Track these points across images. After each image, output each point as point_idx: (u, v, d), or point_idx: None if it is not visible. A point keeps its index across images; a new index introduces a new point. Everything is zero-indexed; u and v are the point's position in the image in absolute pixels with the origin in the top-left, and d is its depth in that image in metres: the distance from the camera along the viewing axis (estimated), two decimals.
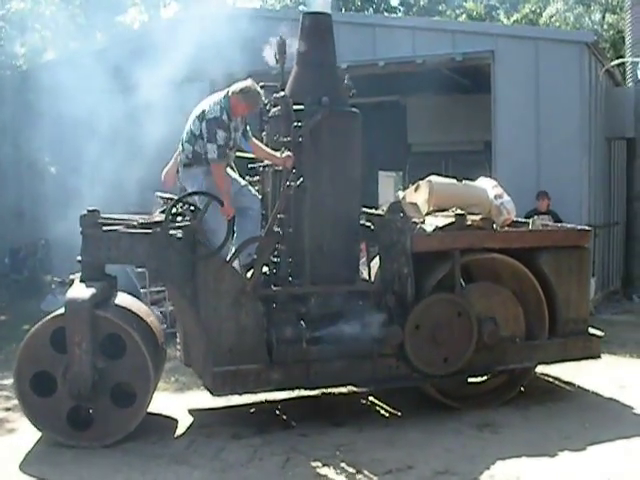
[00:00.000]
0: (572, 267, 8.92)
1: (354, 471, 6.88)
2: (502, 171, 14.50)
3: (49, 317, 7.69)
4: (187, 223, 7.94)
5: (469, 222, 8.71)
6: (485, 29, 17.01)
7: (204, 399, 8.69)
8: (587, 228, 9.65)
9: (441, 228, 8.53)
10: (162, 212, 8.22)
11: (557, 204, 14.10)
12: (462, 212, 8.68)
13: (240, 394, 8.14)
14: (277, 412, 8.70)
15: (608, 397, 9.15)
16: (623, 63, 21.08)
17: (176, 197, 8.22)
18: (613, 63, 20.21)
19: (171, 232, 7.85)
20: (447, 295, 8.38)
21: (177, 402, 9.08)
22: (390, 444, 7.56)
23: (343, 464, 7.05)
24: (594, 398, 9.09)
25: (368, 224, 9.15)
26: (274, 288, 8.22)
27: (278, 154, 8.27)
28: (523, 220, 9.77)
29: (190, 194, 8.07)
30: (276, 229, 8.14)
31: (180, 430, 8.14)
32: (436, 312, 8.32)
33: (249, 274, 8.12)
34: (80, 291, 7.59)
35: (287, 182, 8.04)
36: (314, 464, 7.08)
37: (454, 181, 9.66)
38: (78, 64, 15.97)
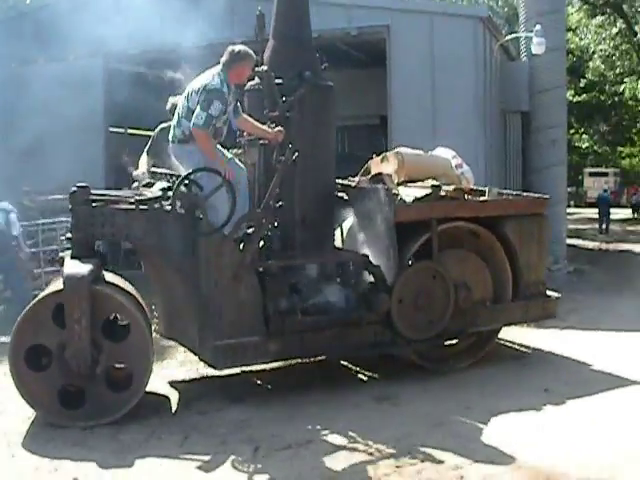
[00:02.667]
0: (533, 233, 9.50)
1: (253, 447, 6.79)
2: (398, 145, 14.52)
3: (52, 290, 7.51)
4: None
5: (443, 193, 9.04)
6: (380, 4, 17.04)
7: None
8: (546, 197, 10.20)
9: (419, 199, 8.81)
10: (162, 189, 8.11)
11: None
12: (437, 183, 9.04)
13: (240, 367, 8.33)
14: (176, 391, 8.59)
15: (507, 367, 9.35)
16: (517, 38, 21.38)
17: (171, 173, 8.23)
18: (507, 38, 20.56)
19: (170, 208, 7.78)
20: (428, 263, 8.77)
21: None
22: (290, 419, 7.50)
23: (242, 440, 6.97)
24: (494, 368, 9.30)
25: (341, 195, 9.34)
26: (269, 261, 8.28)
27: (267, 129, 8.31)
28: (480, 189, 10.09)
29: (195, 171, 7.85)
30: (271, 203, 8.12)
31: None
32: (418, 279, 8.69)
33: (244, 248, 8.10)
34: (78, 267, 7.39)
35: (282, 157, 8.04)
36: (213, 441, 6.98)
37: (421, 152, 10.06)
38: None
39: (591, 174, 55.39)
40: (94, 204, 7.86)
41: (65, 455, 6.72)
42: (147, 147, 9.81)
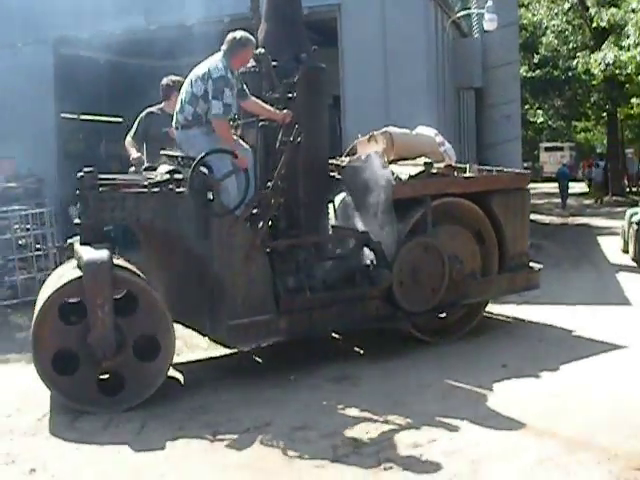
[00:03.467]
0: (517, 207, 9.89)
1: (211, 432, 6.78)
2: (351, 125, 14.49)
3: (51, 294, 7.36)
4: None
5: (434, 170, 9.30)
6: None
7: None
8: (527, 172, 10.92)
9: (414, 176, 9.03)
10: (169, 172, 8.17)
11: None
12: (429, 161, 9.27)
13: (252, 345, 8.42)
14: None
15: (466, 343, 9.35)
16: (469, 15, 21.41)
17: (181, 155, 8.29)
18: (459, 15, 20.56)
19: (180, 190, 7.89)
20: (425, 238, 9.06)
21: (29, 374, 8.82)
22: (247, 403, 7.48)
23: (200, 426, 6.94)
24: (453, 345, 9.33)
25: (332, 174, 9.53)
26: (277, 240, 8.43)
27: (275, 110, 8.44)
28: (461, 165, 10.26)
29: (210, 153, 7.84)
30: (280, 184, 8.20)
31: (33, 402, 7.81)
32: (416, 254, 8.97)
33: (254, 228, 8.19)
34: (96, 253, 7.33)
35: (286, 138, 8.18)
36: (171, 427, 6.93)
37: (408, 131, 10.23)
38: None
39: (547, 149, 55.86)
40: (102, 188, 7.87)
41: (22, 446, 6.65)
42: (133, 131, 9.81)
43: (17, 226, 13.22)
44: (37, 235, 13.22)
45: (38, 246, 13.22)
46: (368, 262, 8.76)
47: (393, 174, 8.95)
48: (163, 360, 7.61)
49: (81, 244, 7.66)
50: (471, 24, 21.60)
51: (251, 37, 8.34)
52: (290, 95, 8.54)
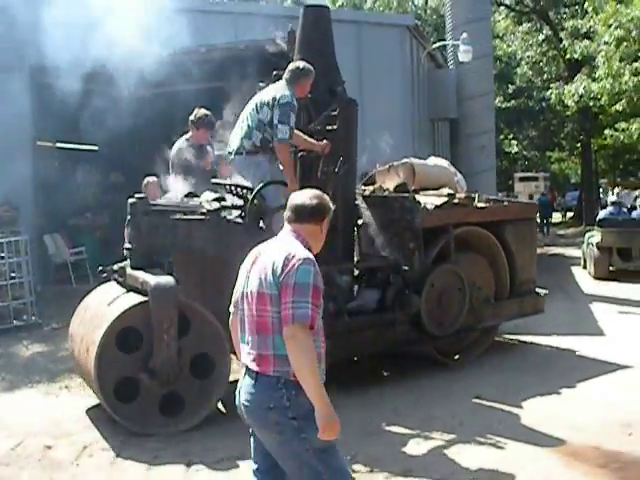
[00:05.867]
0: (526, 236, 10.43)
1: (186, 461, 6.77)
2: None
3: (106, 326, 7.35)
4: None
5: (456, 200, 9.72)
6: None
7: (31, 399, 8.71)
8: (535, 202, 11.38)
9: (439, 206, 9.38)
10: (216, 199, 8.38)
11: None
12: (452, 192, 9.76)
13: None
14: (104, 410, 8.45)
15: (440, 372, 9.44)
16: (445, 46, 21.60)
17: (233, 184, 8.42)
18: (434, 46, 20.82)
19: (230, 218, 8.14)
20: (451, 266, 9.43)
21: (3, 402, 8.79)
22: (224, 433, 7.42)
23: (175, 455, 6.93)
24: (426, 374, 9.39)
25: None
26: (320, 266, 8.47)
27: (316, 142, 8.72)
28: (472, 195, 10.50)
29: (268, 184, 8.11)
30: None
31: (5, 431, 7.80)
32: (441, 280, 9.32)
33: None
34: (162, 278, 7.44)
35: (326, 168, 8.53)
36: (146, 457, 6.91)
37: (427, 162, 10.85)
38: None
39: (521, 179, 56.09)
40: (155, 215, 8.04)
41: None
42: (170, 167, 10.00)
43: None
44: (12, 263, 13.16)
45: (13, 274, 13.16)
46: (397, 288, 9.10)
47: (420, 204, 9.24)
48: (219, 378, 7.74)
49: (132, 268, 7.80)
50: (446, 55, 21.80)
51: (312, 68, 8.50)
52: (329, 127, 8.89)
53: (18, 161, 16.93)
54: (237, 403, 4.34)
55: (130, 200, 8.03)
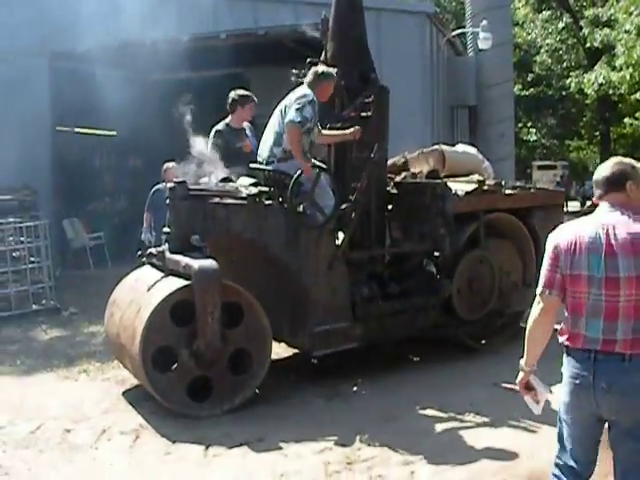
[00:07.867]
0: (553, 222, 10.03)
1: (203, 447, 6.80)
2: None
3: (168, 292, 7.47)
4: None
5: (486, 187, 9.79)
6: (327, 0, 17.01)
7: (50, 383, 8.76)
8: (562, 190, 11.33)
9: (469, 193, 9.46)
10: (253, 184, 8.38)
11: None
12: (482, 178, 9.87)
13: (330, 351, 8.51)
14: (122, 394, 8.53)
15: (457, 361, 9.41)
16: (464, 33, 21.49)
17: (268, 168, 8.45)
18: (454, 33, 20.72)
19: (269, 202, 8.16)
20: (480, 251, 9.57)
21: (22, 386, 8.84)
22: (239, 418, 7.47)
23: (192, 440, 6.94)
24: (443, 363, 9.34)
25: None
26: (355, 251, 8.79)
27: (346, 131, 8.80)
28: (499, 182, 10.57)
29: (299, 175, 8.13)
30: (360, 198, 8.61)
31: (25, 414, 7.85)
32: (472, 265, 9.49)
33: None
34: (206, 262, 7.46)
35: (360, 154, 8.71)
36: (163, 441, 6.96)
37: (457, 149, 10.92)
38: None
39: (539, 167, 55.79)
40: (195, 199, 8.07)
41: (16, 458, 6.67)
42: (209, 151, 9.68)
43: (11, 238, 13.23)
44: (31, 248, 13.22)
45: (32, 259, 13.23)
46: (430, 273, 9.26)
47: (451, 190, 9.28)
48: (252, 378, 7.80)
49: (170, 253, 7.85)
50: (466, 43, 21.69)
51: (333, 72, 8.58)
52: (364, 114, 8.99)
53: (38, 146, 17.03)
54: (586, 386, 4.25)
55: (169, 185, 8.16)
